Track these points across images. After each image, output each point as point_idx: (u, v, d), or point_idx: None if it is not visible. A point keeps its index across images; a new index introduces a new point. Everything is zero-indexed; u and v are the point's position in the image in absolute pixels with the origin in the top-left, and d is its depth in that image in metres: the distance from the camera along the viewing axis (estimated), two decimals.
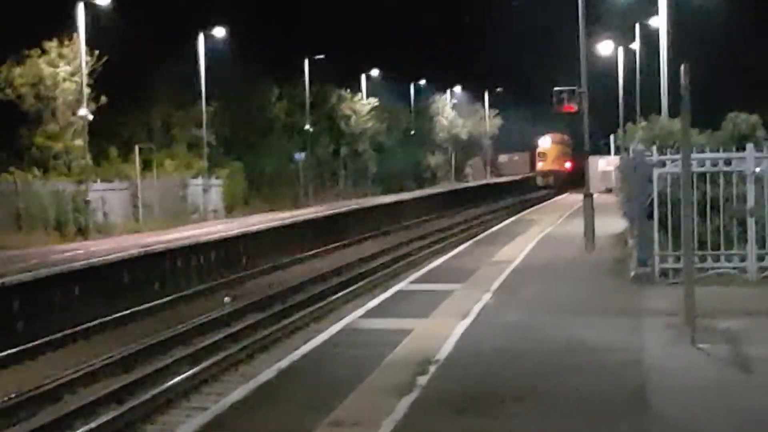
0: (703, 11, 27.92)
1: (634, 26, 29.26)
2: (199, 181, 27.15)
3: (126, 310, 12.93)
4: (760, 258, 10.66)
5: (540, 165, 52.89)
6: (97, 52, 21.01)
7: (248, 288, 16.47)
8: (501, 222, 25.37)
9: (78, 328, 11.60)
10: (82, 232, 20.16)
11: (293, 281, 16.37)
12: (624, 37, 32.52)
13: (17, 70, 20.82)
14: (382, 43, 54.23)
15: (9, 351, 10.19)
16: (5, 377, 9.48)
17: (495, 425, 5.23)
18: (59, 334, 11.17)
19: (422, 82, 52.18)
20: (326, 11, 49.96)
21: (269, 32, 41.71)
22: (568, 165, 49.06)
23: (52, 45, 20.82)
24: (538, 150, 53.60)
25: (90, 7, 21.04)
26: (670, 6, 20.75)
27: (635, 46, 30.29)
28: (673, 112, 17.75)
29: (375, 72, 44.14)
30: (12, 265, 14.22)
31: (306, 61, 35.56)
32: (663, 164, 10.81)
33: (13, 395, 8.10)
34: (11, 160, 21.60)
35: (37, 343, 10.72)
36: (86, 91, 20.78)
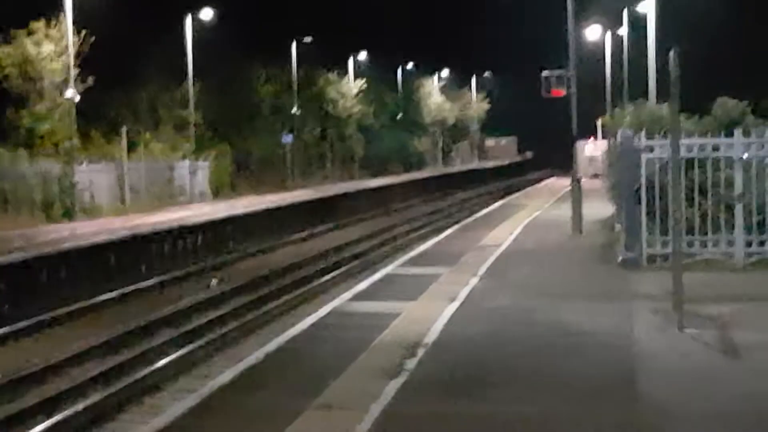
0: None
1: (622, 11, 29.54)
2: (186, 163, 27.11)
3: (112, 291, 13.11)
4: (748, 244, 10.80)
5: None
6: (84, 32, 20.91)
7: (236, 270, 16.65)
8: (488, 206, 25.74)
9: (66, 309, 11.77)
10: (69, 214, 20.20)
11: (281, 264, 16.52)
12: (613, 21, 32.87)
13: (4, 50, 20.77)
14: (371, 26, 54.21)
15: None
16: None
17: (483, 408, 5.30)
18: (45, 316, 11.31)
19: (410, 65, 52.06)
20: None
21: (257, 15, 41.66)
22: None
23: (39, 25, 20.69)
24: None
25: None
26: None
27: (623, 31, 30.56)
28: (661, 97, 17.83)
29: (362, 55, 43.99)
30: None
31: (293, 44, 35.49)
32: (651, 149, 10.86)
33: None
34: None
35: (23, 325, 10.88)
36: (73, 71, 20.76)
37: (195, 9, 27.57)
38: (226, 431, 5.01)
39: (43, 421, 6.81)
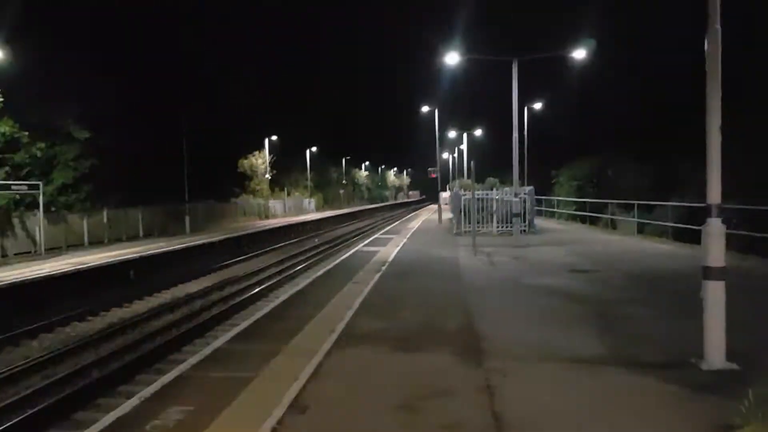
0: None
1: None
2: (307, 200, 65.57)
3: (278, 243, 48.94)
4: (498, 227, 26.47)
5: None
6: (272, 156, 58.67)
7: (323, 236, 51.95)
8: (409, 214, 61.27)
9: (268, 248, 47.51)
10: (266, 217, 57.40)
11: (343, 233, 51.58)
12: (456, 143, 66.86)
13: (243, 162, 58.66)
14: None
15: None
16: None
17: (410, 282, 13.54)
18: (261, 250, 47.09)
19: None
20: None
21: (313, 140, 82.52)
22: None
23: (256, 153, 58.46)
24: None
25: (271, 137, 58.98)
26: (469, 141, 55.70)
27: (463, 146, 63.67)
28: (469, 177, 51.60)
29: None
30: (245, 228, 51.10)
31: (308, 151, 75.06)
32: (464, 194, 26.54)
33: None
34: (239, 192, 59.18)
35: (251, 253, 46.75)
36: (268, 169, 58.53)
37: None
38: (322, 290, 12.92)
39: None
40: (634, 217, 25.18)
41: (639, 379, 6.84)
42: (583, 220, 33.15)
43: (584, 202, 32.88)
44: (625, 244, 21.82)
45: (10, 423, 8.79)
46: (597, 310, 10.50)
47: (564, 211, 37.24)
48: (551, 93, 46.96)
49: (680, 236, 21.08)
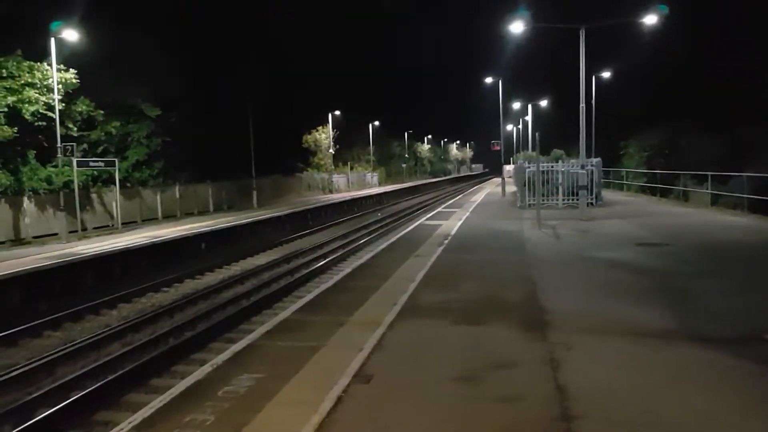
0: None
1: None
2: (370, 174, 65.89)
3: (347, 216, 49.51)
4: (563, 200, 25.54)
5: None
6: (335, 131, 59.03)
7: (385, 210, 52.27)
8: (473, 187, 60.70)
9: (329, 223, 48.03)
10: (330, 191, 58.04)
11: (407, 206, 51.97)
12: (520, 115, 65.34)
13: (307, 137, 59.25)
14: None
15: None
16: None
17: (472, 255, 13.66)
18: (323, 225, 47.67)
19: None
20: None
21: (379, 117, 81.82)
22: None
23: (320, 128, 59.01)
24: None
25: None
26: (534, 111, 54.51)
27: (528, 117, 62.34)
28: (534, 149, 50.62)
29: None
30: (309, 202, 51.93)
31: (370, 125, 74.74)
32: (527, 168, 26.40)
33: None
34: (303, 167, 59.95)
35: (317, 227, 47.35)
36: (331, 144, 59.01)
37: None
38: (385, 263, 13.33)
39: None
40: (707, 188, 24.27)
41: (709, 355, 6.67)
42: (652, 192, 32.18)
43: (654, 173, 31.85)
44: (697, 216, 21.10)
45: (94, 387, 9.35)
46: (665, 284, 10.26)
47: (633, 183, 36.19)
48: (619, 62, 45.28)
49: (756, 208, 20.24)
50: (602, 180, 28.59)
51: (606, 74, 43.76)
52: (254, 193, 39.49)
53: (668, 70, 42.66)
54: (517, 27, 24.08)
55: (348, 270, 13.32)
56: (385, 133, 75.32)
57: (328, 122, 58.56)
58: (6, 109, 22.11)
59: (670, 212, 23.11)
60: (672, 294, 9.57)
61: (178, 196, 32.50)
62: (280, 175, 48.93)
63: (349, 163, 65.70)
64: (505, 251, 14.36)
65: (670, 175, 29.57)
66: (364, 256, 15.64)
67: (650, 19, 22.98)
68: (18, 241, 22.30)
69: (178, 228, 25.53)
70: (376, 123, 72.30)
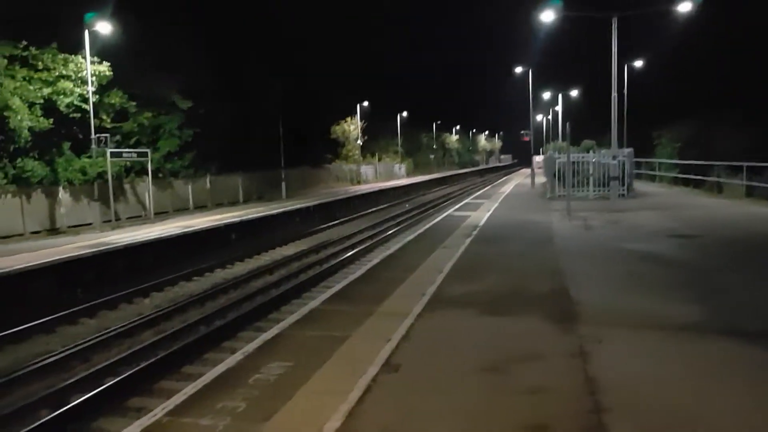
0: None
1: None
2: (398, 165, 65.78)
3: (375, 207, 49.56)
4: (594, 191, 25.43)
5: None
6: (363, 122, 59.07)
7: (413, 201, 52.22)
8: (501, 178, 60.20)
9: (358, 214, 48.20)
10: (358, 182, 58.11)
11: (433, 197, 51.81)
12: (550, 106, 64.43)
13: (335, 128, 59.38)
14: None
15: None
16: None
17: (501, 247, 13.49)
18: (350, 216, 47.77)
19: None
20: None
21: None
22: None
23: (348, 119, 59.10)
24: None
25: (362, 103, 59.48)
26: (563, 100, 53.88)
27: (558, 108, 61.28)
28: (564, 139, 49.21)
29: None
30: (337, 193, 52.06)
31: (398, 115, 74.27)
32: (558, 157, 26.50)
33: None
34: (331, 158, 60.19)
35: (345, 218, 47.45)
36: (359, 134, 59.06)
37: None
38: (413, 254, 13.47)
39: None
40: (741, 180, 23.79)
41: (743, 349, 6.57)
42: (685, 183, 31.66)
43: (687, 164, 31.32)
44: (731, 208, 20.71)
45: (128, 373, 9.55)
46: (697, 277, 10.12)
47: (665, 174, 35.63)
48: (651, 50, 44.48)
49: None
50: (634, 171, 28.15)
51: (638, 63, 43.03)
52: (283, 184, 39.77)
53: (701, 58, 41.75)
54: (547, 16, 23.80)
55: (376, 261, 13.37)
56: (414, 123, 75.27)
57: (356, 113, 58.60)
58: (42, 101, 22.57)
59: (703, 204, 22.72)
60: (704, 287, 9.43)
61: (208, 186, 32.89)
62: (308, 167, 49.18)
63: (376, 153, 65.71)
64: (534, 242, 14.27)
65: (703, 166, 29.04)
66: (392, 247, 15.67)
67: (684, 7, 22.53)
68: (54, 230, 22.80)
69: (209, 218, 25.85)
70: (404, 114, 72.32)
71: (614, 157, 23.83)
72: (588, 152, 27.47)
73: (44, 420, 8.05)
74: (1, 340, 11.81)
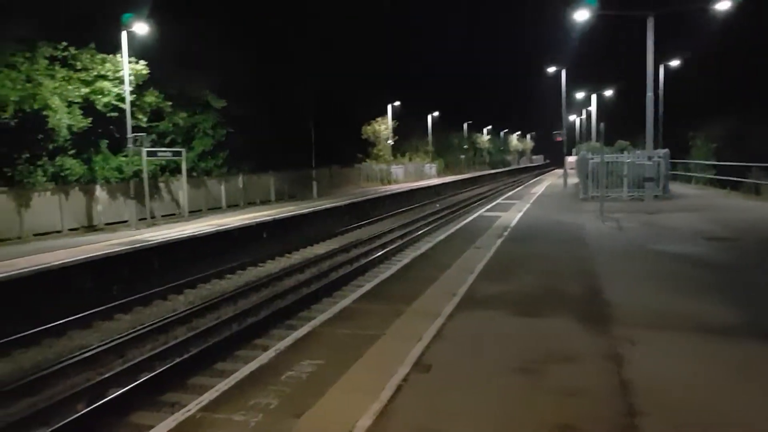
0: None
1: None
2: (428, 165, 65.71)
3: (405, 206, 49.56)
4: (628, 192, 24.99)
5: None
6: (395, 121, 59.14)
7: (444, 201, 52.12)
8: (533, 179, 59.52)
9: (386, 215, 48.18)
10: (388, 182, 58.24)
11: (465, 197, 51.74)
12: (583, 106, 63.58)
13: (366, 128, 59.54)
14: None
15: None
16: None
17: (532, 248, 13.55)
18: (379, 216, 47.86)
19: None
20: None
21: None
22: None
23: (379, 119, 59.18)
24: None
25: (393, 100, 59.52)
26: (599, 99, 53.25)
27: (591, 108, 60.40)
28: (597, 140, 49.37)
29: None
30: (368, 192, 52.21)
31: (429, 117, 73.67)
32: (591, 158, 25.82)
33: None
34: (362, 158, 60.30)
35: (375, 218, 47.53)
36: (390, 134, 59.12)
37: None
38: (444, 254, 13.80)
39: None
40: None
41: None
42: (722, 185, 31.01)
43: (724, 165, 30.67)
44: None
45: (162, 369, 9.72)
46: (733, 280, 9.93)
47: (701, 175, 34.95)
48: (687, 49, 43.61)
49: None
50: (669, 172, 27.68)
51: (674, 63, 42.27)
52: (314, 183, 40.00)
53: (739, 57, 40.87)
54: (581, 15, 23.53)
55: (406, 260, 13.38)
56: (445, 123, 75.07)
57: (387, 113, 58.63)
58: (81, 100, 23.04)
59: (740, 206, 22.24)
60: (740, 290, 9.25)
61: (241, 185, 33.24)
62: (339, 166, 49.32)
63: (407, 153, 65.65)
64: (567, 243, 14.16)
65: (740, 167, 28.40)
66: (423, 247, 15.66)
67: (723, 5, 22.08)
68: (91, 227, 23.28)
69: (241, 217, 26.11)
70: (435, 113, 72.16)
71: (649, 158, 23.47)
72: (622, 152, 27.08)
73: (81, 413, 8.24)
74: (40, 334, 12.12)
